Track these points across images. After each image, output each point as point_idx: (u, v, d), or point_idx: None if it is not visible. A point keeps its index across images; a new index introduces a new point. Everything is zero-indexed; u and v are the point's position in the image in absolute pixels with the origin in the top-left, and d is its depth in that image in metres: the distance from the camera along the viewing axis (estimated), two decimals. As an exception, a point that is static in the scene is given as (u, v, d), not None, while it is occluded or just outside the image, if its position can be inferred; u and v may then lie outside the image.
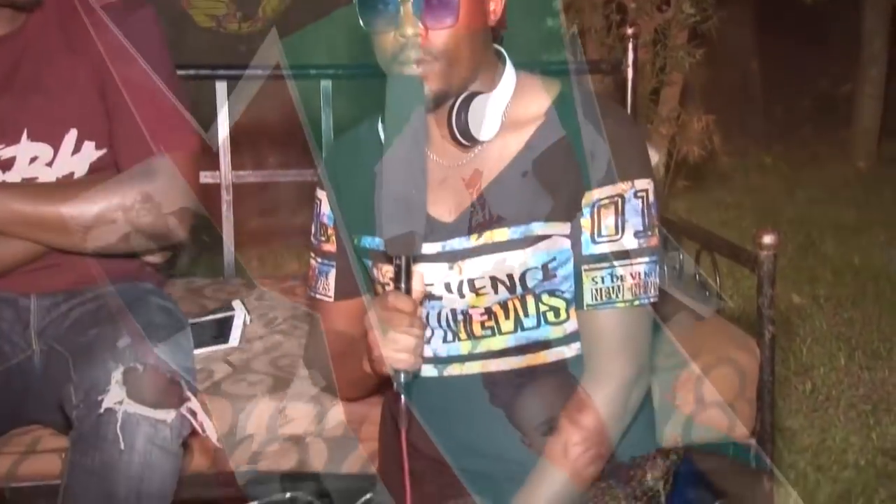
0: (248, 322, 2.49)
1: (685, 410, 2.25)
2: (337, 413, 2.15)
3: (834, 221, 6.29)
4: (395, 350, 1.77)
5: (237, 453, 2.12)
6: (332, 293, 2.03)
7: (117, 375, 1.86)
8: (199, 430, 1.92)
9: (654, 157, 3.31)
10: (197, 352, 2.20)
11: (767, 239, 2.23)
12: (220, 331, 2.42)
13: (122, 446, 1.83)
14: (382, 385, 2.00)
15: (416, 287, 1.76)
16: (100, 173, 2.09)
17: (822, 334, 4.38)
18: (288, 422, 2.15)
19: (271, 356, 2.35)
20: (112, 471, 1.84)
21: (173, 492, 1.91)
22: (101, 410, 1.84)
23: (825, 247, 5.74)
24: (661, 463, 1.95)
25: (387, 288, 1.93)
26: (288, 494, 2.15)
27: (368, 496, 2.11)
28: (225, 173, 3.00)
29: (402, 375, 1.80)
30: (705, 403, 2.27)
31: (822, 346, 4.26)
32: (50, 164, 2.08)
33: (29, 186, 2.07)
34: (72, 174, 2.09)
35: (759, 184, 7.47)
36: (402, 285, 1.76)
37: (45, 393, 2.05)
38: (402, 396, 1.81)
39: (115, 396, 1.84)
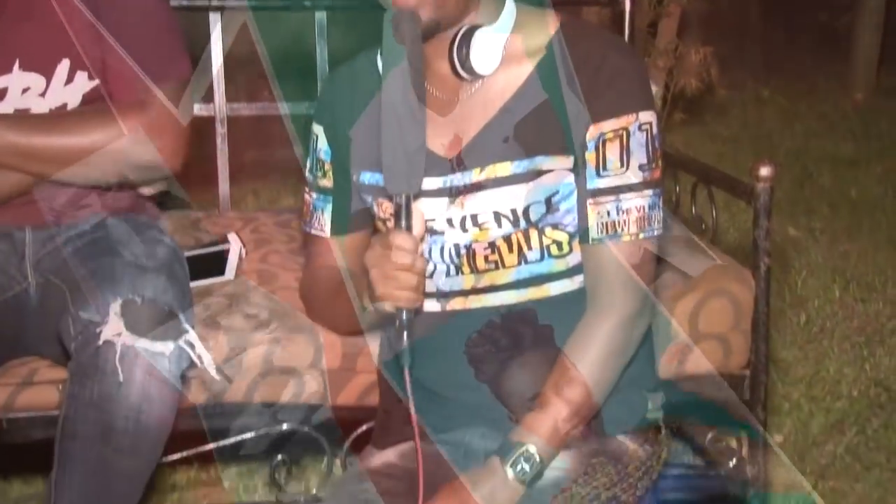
0: (243, 255, 2.49)
1: (681, 341, 2.26)
2: (333, 345, 2.15)
3: (831, 154, 6.28)
4: (397, 288, 1.77)
5: (233, 385, 2.13)
6: (327, 229, 2.03)
7: (115, 307, 1.86)
8: (198, 363, 1.93)
9: (652, 89, 3.29)
10: (192, 284, 2.20)
11: (764, 171, 2.23)
12: (216, 263, 2.41)
13: (121, 378, 1.84)
14: (381, 320, 2.00)
15: (417, 225, 1.76)
16: (93, 104, 2.08)
17: (817, 267, 4.39)
18: (284, 354, 2.15)
19: (267, 289, 2.35)
20: (111, 402, 1.85)
21: (172, 424, 1.93)
22: (100, 343, 1.84)
23: (822, 179, 5.74)
24: (653, 438, 1.96)
25: (388, 224, 1.93)
26: (285, 426, 2.16)
27: (365, 428, 2.12)
28: (219, 106, 2.98)
29: (405, 313, 1.80)
30: (700, 335, 2.27)
31: (817, 278, 4.28)
32: (42, 95, 2.07)
33: (22, 117, 2.05)
34: (65, 105, 2.08)
35: (757, 117, 7.45)
36: (403, 223, 1.76)
37: (41, 325, 2.05)
38: (405, 334, 1.82)
39: (113, 328, 1.85)
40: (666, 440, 2.04)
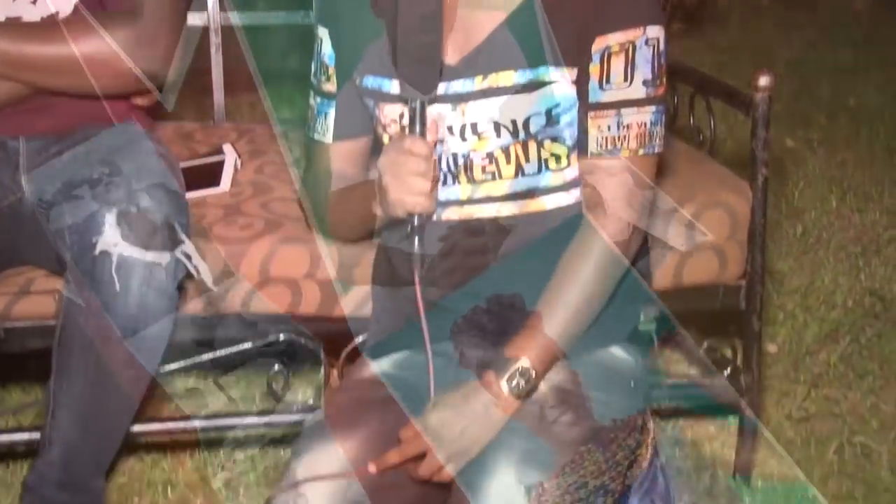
0: (238, 166, 2.48)
1: (676, 252, 2.26)
2: (330, 255, 2.15)
3: (830, 64, 6.23)
4: (411, 194, 1.77)
5: (230, 296, 2.13)
6: (330, 134, 2.01)
7: (110, 218, 1.85)
8: (194, 274, 1.93)
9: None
10: (188, 195, 2.20)
11: (763, 80, 2.22)
12: (211, 175, 2.41)
13: (118, 288, 1.84)
14: (387, 227, 2.01)
15: (431, 130, 1.75)
16: (85, 13, 2.05)
17: (814, 177, 4.39)
18: (280, 265, 2.16)
19: (262, 199, 2.35)
20: (108, 312, 1.85)
21: (169, 334, 1.93)
22: (96, 253, 1.84)
23: (820, 89, 5.70)
24: (642, 425, 1.97)
25: (388, 130, 1.92)
26: (281, 336, 2.17)
27: (362, 338, 2.13)
28: (213, 15, 2.95)
29: (417, 219, 1.80)
30: (696, 245, 2.28)
31: (814, 189, 4.27)
32: (33, 3, 2.04)
33: (13, 26, 2.03)
34: (56, 14, 2.05)
35: (755, 26, 7.37)
36: (417, 129, 1.75)
37: (36, 235, 2.05)
38: (417, 241, 1.82)
39: (109, 239, 1.84)
40: (655, 426, 2.06)
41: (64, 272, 1.99)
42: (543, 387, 1.84)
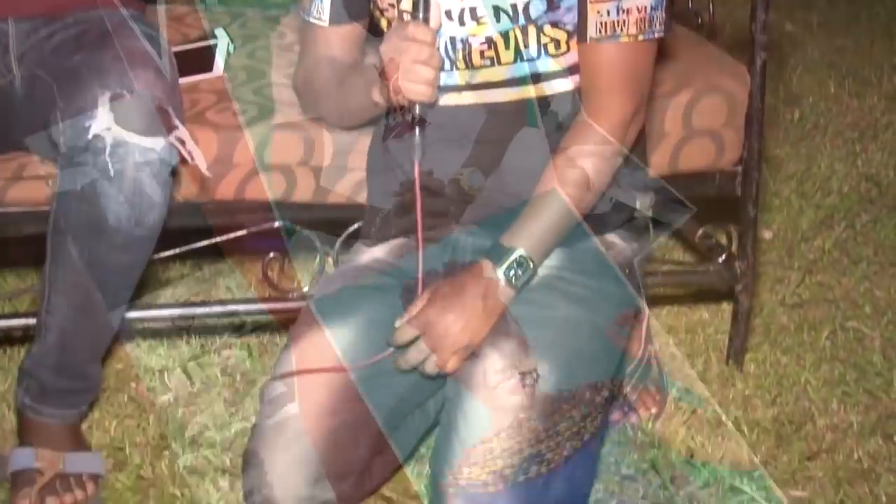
0: (231, 51, 2.45)
1: (673, 138, 2.25)
2: (324, 142, 2.14)
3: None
4: (413, 81, 1.75)
5: (224, 182, 2.12)
6: (326, 17, 1.98)
7: (104, 101, 1.83)
8: (189, 159, 1.91)
9: None
10: (180, 81, 2.17)
11: (763, -38, 2.18)
12: (203, 59, 2.37)
13: (111, 173, 1.82)
14: (380, 117, 1.99)
15: (434, 17, 1.73)
16: None
17: (812, 62, 4.35)
18: (274, 151, 2.14)
19: (256, 85, 2.32)
20: (101, 197, 1.84)
21: (163, 220, 1.93)
22: (90, 136, 1.82)
23: (820, -29, 5.62)
24: (636, 312, 1.97)
25: (386, 14, 1.89)
26: (276, 223, 2.16)
27: (357, 225, 2.13)
28: None
29: (418, 107, 1.79)
30: (693, 131, 2.26)
31: (812, 74, 4.23)
32: None
33: None
34: None
35: None
36: (421, 15, 1.73)
37: (28, 119, 2.03)
38: (418, 129, 1.81)
39: (102, 122, 1.82)
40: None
41: (56, 157, 1.97)
42: (539, 274, 1.85)
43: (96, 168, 1.83)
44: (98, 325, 1.97)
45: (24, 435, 2.02)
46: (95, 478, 2.01)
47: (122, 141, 1.82)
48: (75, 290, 1.91)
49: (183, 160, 1.93)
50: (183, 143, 1.89)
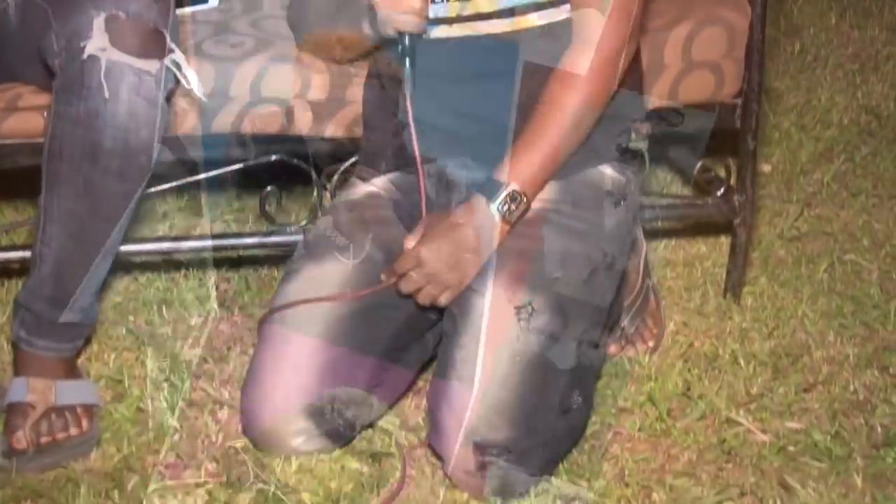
0: (227, -19, 2.42)
1: (672, 70, 2.23)
2: (321, 75, 2.12)
3: None
4: (402, 12, 1.74)
5: (220, 116, 2.11)
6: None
7: (99, 22, 1.81)
8: (184, 83, 1.90)
9: None
10: (177, 12, 2.15)
11: None
12: (199, -10, 2.36)
13: (107, 95, 1.81)
14: (372, 49, 1.98)
15: None
16: None
17: (814, -7, 4.32)
18: (271, 84, 2.13)
19: (253, 17, 2.30)
20: (97, 120, 1.82)
21: (159, 146, 1.92)
22: (84, 57, 1.80)
23: None
24: (633, 245, 1.95)
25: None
26: (273, 157, 2.15)
27: (354, 159, 2.12)
28: None
29: (408, 38, 1.78)
30: (693, 63, 2.25)
31: (813, 5, 4.20)
32: None
33: None
34: None
35: None
36: None
37: (24, 47, 2.01)
38: (408, 60, 1.80)
39: (97, 43, 1.80)
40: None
41: (51, 86, 1.96)
42: (534, 207, 1.84)
43: (91, 89, 1.81)
44: (94, 255, 1.96)
45: (19, 368, 2.02)
46: (90, 410, 2.01)
47: (117, 62, 1.80)
48: (71, 219, 1.89)
49: (178, 84, 1.91)
50: (178, 66, 1.88)
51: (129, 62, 1.81)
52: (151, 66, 1.83)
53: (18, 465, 1.91)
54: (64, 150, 1.86)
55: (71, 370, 2.04)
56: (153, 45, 1.83)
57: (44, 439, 1.94)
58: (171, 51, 1.86)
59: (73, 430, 1.96)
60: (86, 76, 1.81)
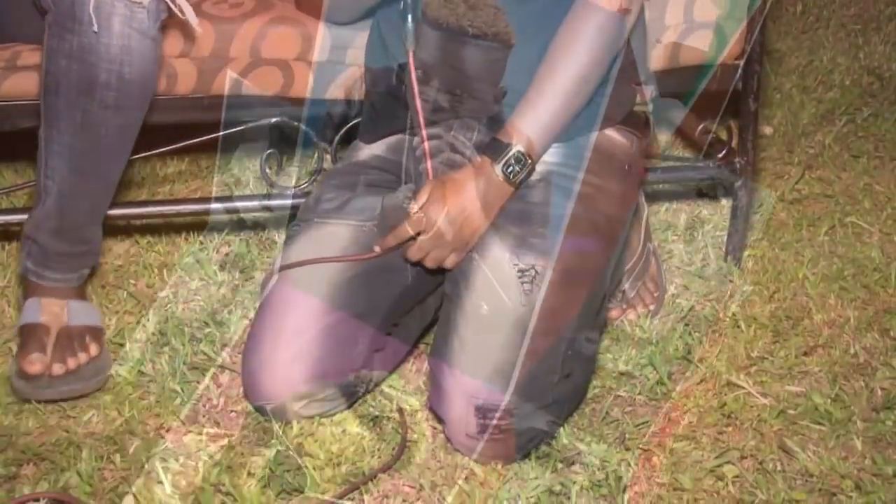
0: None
1: (674, 32, 2.22)
2: (322, 37, 2.11)
3: None
4: None
5: (220, 77, 2.10)
6: None
7: None
8: (178, 13, 1.88)
9: None
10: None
11: None
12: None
13: (97, 28, 1.80)
14: (374, 8, 1.97)
15: None
16: None
17: (816, -47, 4.29)
18: (271, 45, 2.11)
19: (251, -23, 2.29)
20: (90, 54, 1.82)
21: (155, 78, 1.91)
22: None
23: None
24: (635, 208, 1.95)
25: None
26: (274, 119, 2.14)
27: (355, 122, 2.11)
28: None
29: None
30: (694, 24, 2.23)
31: (815, -35, 4.18)
32: None
33: None
34: None
35: None
36: None
37: (21, 4, 2.01)
38: (410, 17, 1.79)
39: None
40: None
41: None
42: (538, 170, 1.84)
43: (82, 24, 1.81)
44: (96, 187, 1.98)
45: (30, 294, 2.04)
46: (98, 334, 2.05)
47: None
48: (72, 153, 1.91)
49: (171, 14, 1.90)
50: None
51: None
52: None
53: (34, 390, 1.95)
54: (60, 86, 1.86)
55: (80, 294, 2.08)
56: None
57: (57, 368, 1.96)
58: None
59: (83, 357, 1.99)
60: (77, 10, 1.80)
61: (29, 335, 1.99)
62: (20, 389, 1.95)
